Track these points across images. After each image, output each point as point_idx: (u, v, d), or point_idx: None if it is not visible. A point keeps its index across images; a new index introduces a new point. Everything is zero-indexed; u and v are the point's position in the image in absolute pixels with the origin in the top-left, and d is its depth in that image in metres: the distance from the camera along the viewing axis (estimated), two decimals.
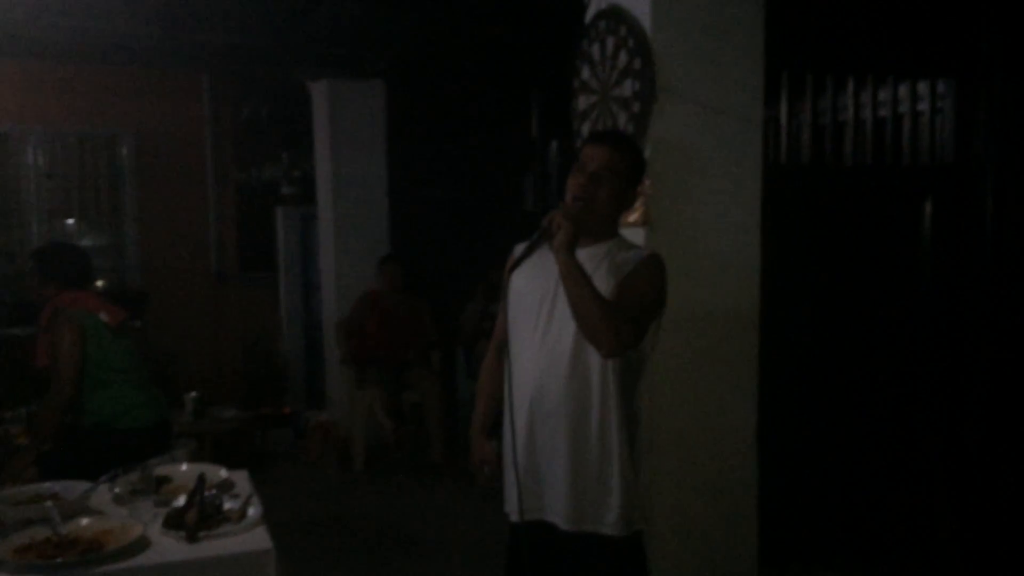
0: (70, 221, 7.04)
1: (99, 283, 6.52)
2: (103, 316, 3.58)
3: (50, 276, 3.61)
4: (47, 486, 2.70)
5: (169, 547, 2.30)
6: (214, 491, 2.59)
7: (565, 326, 2.27)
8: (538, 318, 2.34)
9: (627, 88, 3.01)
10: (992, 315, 3.28)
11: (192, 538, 2.32)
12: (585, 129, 3.28)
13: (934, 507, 3.43)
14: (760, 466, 3.08)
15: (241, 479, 2.87)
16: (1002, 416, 3.30)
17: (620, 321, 2.15)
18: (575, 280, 2.16)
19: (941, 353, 3.42)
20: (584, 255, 2.28)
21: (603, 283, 2.26)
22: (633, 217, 2.98)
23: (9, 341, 6.16)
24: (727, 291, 3.02)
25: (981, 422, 3.32)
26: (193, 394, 5.71)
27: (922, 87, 3.43)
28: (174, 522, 2.38)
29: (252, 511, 2.51)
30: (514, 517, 2.42)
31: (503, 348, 2.43)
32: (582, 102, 3.30)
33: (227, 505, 2.53)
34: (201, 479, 2.56)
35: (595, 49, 3.20)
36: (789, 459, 3.33)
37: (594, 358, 2.27)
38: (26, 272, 3.67)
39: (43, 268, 3.62)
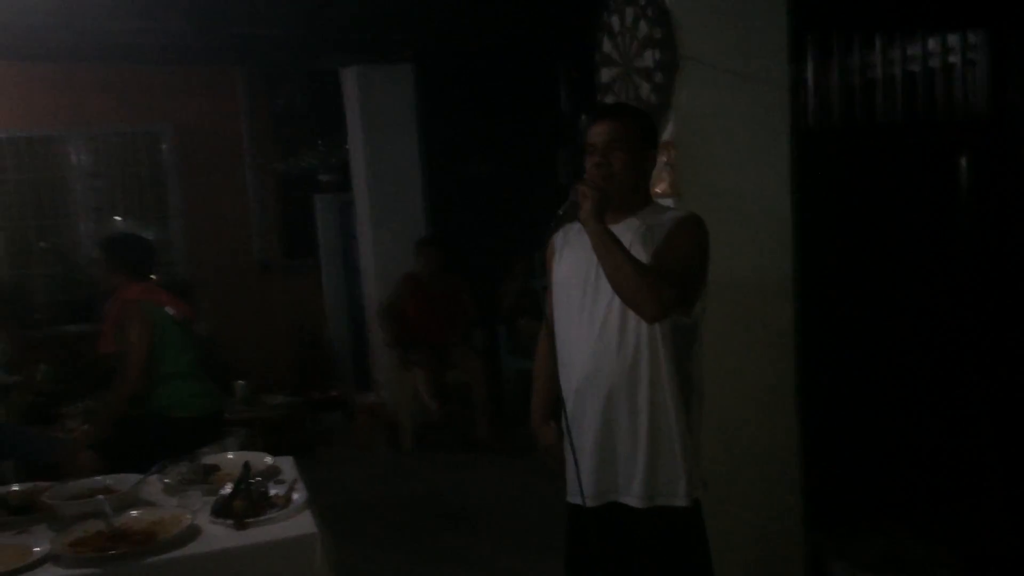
0: (117, 219, 7.20)
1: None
2: (170, 310, 3.69)
3: (117, 265, 3.72)
4: (99, 479, 2.79)
5: (218, 535, 2.37)
6: (259, 478, 2.66)
7: (610, 301, 2.25)
8: (583, 298, 2.32)
9: (648, 58, 2.98)
10: None
11: (240, 525, 2.39)
12: (610, 101, 3.26)
13: (982, 468, 3.38)
14: (804, 430, 3.07)
15: (286, 465, 2.93)
16: None
17: (660, 283, 2.12)
18: (607, 247, 2.13)
19: (985, 309, 3.36)
20: (618, 229, 2.25)
21: (640, 253, 2.23)
22: (661, 187, 2.97)
23: (64, 338, 6.33)
24: (759, 258, 3.00)
25: None
26: (242, 382, 5.84)
27: (952, 39, 3.34)
28: (222, 510, 2.45)
29: (297, 496, 2.57)
30: (583, 502, 2.32)
31: (552, 335, 2.40)
32: (605, 75, 3.29)
33: (272, 491, 2.59)
34: (246, 467, 2.63)
35: (615, 20, 3.17)
36: (833, 422, 3.31)
37: (642, 328, 2.24)
38: (94, 261, 3.80)
39: (111, 257, 3.73)
